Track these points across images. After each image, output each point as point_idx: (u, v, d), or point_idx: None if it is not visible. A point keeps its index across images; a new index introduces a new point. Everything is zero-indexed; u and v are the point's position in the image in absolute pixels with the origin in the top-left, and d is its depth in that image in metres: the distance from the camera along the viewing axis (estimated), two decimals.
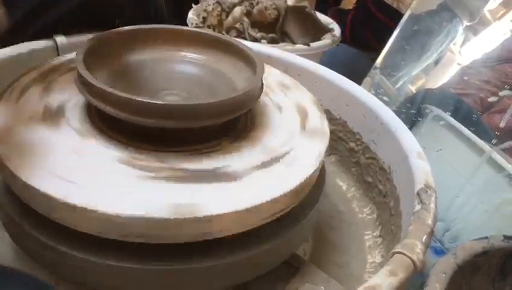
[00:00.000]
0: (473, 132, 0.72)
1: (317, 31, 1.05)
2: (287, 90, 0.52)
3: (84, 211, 0.33)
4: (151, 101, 0.37)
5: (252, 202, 0.36)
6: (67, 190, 0.34)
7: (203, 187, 0.36)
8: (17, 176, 0.35)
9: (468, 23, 1.22)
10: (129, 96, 0.37)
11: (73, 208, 0.33)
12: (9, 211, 0.39)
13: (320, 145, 0.44)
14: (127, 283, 0.37)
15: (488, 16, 1.31)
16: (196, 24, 0.99)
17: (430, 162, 0.46)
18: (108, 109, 0.38)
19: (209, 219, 0.34)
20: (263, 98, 0.47)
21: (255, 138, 0.43)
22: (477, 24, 1.28)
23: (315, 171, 0.41)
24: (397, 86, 1.08)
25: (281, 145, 0.43)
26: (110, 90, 0.37)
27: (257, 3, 1.03)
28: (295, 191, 0.39)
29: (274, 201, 0.37)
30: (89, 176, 0.36)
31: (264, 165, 0.40)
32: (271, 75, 0.54)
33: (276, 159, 0.41)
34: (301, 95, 0.52)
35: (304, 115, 0.48)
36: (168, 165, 0.38)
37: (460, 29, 1.20)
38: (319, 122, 0.47)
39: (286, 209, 0.39)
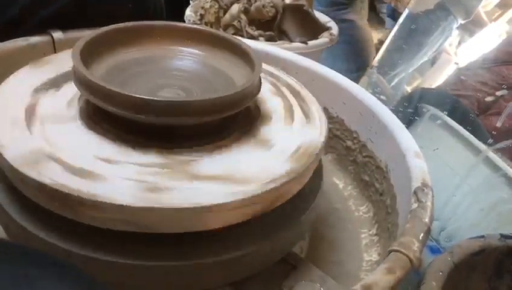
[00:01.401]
0: (469, 131, 0.72)
1: (315, 29, 1.05)
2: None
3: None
4: (148, 98, 0.37)
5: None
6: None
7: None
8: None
9: (463, 21, 1.22)
10: (125, 92, 0.37)
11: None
12: (8, 210, 0.38)
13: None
14: (127, 279, 0.36)
15: (484, 17, 1.32)
16: (193, 21, 0.98)
17: (426, 161, 0.46)
18: (105, 106, 0.38)
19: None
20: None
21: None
22: (473, 25, 1.29)
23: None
24: (392, 83, 1.09)
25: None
26: (109, 87, 0.37)
27: (255, 1, 1.02)
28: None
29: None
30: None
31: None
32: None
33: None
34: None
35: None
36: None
37: (455, 27, 1.21)
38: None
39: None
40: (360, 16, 1.64)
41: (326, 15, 1.53)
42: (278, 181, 0.38)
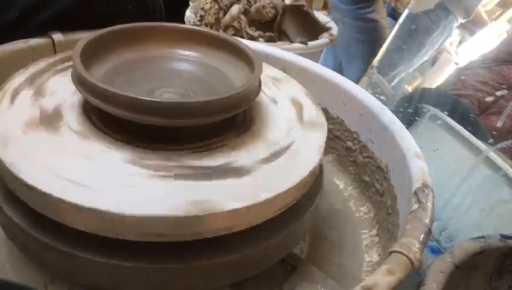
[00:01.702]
0: (469, 131, 0.72)
1: (315, 29, 1.05)
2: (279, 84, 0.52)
3: (101, 214, 0.33)
4: (148, 99, 0.37)
5: (264, 196, 0.36)
6: (81, 194, 0.34)
7: (212, 183, 0.37)
8: (29, 183, 0.34)
9: (463, 20, 1.22)
10: (125, 94, 0.37)
11: (89, 211, 0.33)
12: (7, 211, 0.38)
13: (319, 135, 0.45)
14: (126, 281, 0.36)
15: (485, 16, 1.32)
16: (193, 22, 0.99)
17: (426, 161, 0.46)
18: (105, 107, 0.38)
19: (226, 215, 0.35)
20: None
21: (256, 133, 0.44)
22: (474, 24, 1.29)
23: (319, 160, 0.42)
24: (393, 83, 1.09)
25: (283, 138, 0.43)
26: (107, 88, 0.37)
27: (255, 2, 1.02)
28: (303, 183, 0.40)
29: (285, 193, 0.38)
30: (98, 178, 0.36)
31: (270, 159, 0.40)
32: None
33: (280, 152, 0.41)
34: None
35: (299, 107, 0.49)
36: (176, 163, 0.38)
37: (455, 26, 1.21)
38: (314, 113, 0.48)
39: (293, 202, 0.40)
40: (381, 15, 1.62)
41: (348, 13, 1.51)
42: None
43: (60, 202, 0.33)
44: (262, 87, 0.46)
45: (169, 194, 0.35)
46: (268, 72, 0.54)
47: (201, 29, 0.50)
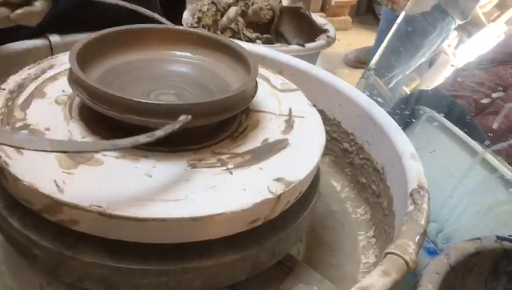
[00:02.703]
0: (466, 133, 0.72)
1: (312, 31, 1.06)
2: None
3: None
4: (145, 101, 0.37)
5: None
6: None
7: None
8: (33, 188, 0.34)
9: (460, 22, 1.22)
10: (121, 95, 0.37)
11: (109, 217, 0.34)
12: (5, 215, 0.38)
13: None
14: (122, 282, 0.37)
15: (483, 18, 1.32)
16: (191, 24, 0.99)
17: (423, 163, 0.46)
18: (100, 108, 0.38)
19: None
20: None
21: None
22: (472, 26, 1.29)
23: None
24: (390, 85, 1.09)
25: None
26: (103, 89, 0.37)
27: (252, 4, 1.03)
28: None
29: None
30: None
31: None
32: None
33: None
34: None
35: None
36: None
37: (453, 28, 1.21)
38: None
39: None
40: None
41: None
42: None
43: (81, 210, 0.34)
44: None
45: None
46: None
47: (198, 31, 0.51)
